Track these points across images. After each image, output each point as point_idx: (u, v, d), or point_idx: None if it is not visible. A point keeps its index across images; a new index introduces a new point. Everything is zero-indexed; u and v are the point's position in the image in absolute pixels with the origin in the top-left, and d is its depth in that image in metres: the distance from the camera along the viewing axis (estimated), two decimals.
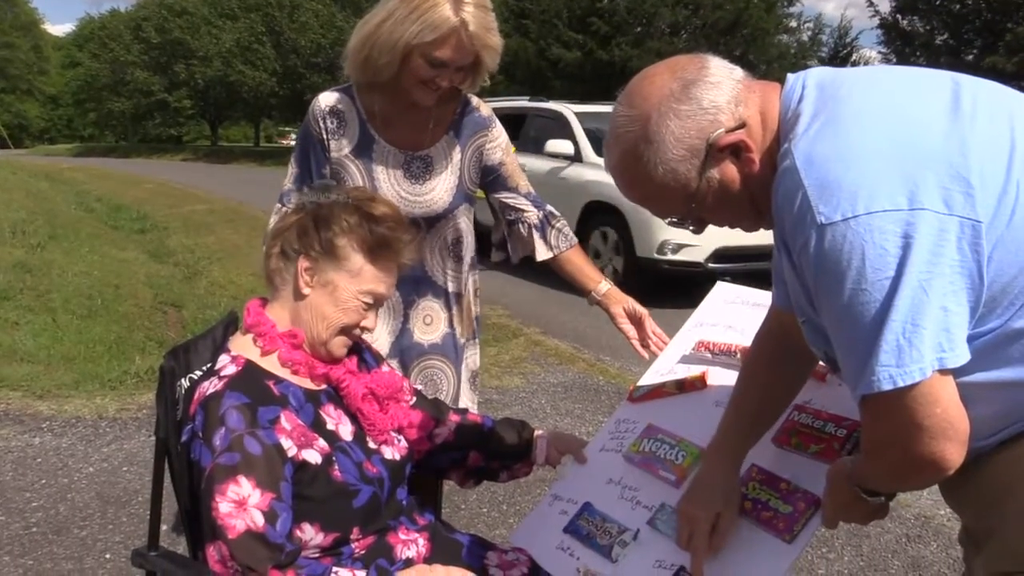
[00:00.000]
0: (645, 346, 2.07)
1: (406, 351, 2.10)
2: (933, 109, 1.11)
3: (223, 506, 1.34)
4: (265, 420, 1.42)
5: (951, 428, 1.05)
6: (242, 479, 1.35)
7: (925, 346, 1.01)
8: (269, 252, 1.58)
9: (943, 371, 1.03)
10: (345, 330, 1.55)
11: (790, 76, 1.22)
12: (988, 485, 1.19)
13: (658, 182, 1.22)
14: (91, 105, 51.97)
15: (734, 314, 1.85)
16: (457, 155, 2.06)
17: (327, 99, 2.00)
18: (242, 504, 1.34)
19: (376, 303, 1.57)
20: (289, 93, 37.90)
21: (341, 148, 1.98)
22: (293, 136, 54.48)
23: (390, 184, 2.00)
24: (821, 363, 1.56)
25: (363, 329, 1.58)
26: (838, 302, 1.05)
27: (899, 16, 18.04)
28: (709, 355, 1.79)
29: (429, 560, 1.58)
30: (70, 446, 3.96)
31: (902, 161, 1.05)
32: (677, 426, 1.67)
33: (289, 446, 1.43)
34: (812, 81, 1.19)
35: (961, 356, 1.03)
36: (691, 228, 1.31)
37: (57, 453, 3.87)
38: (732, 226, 1.32)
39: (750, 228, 1.31)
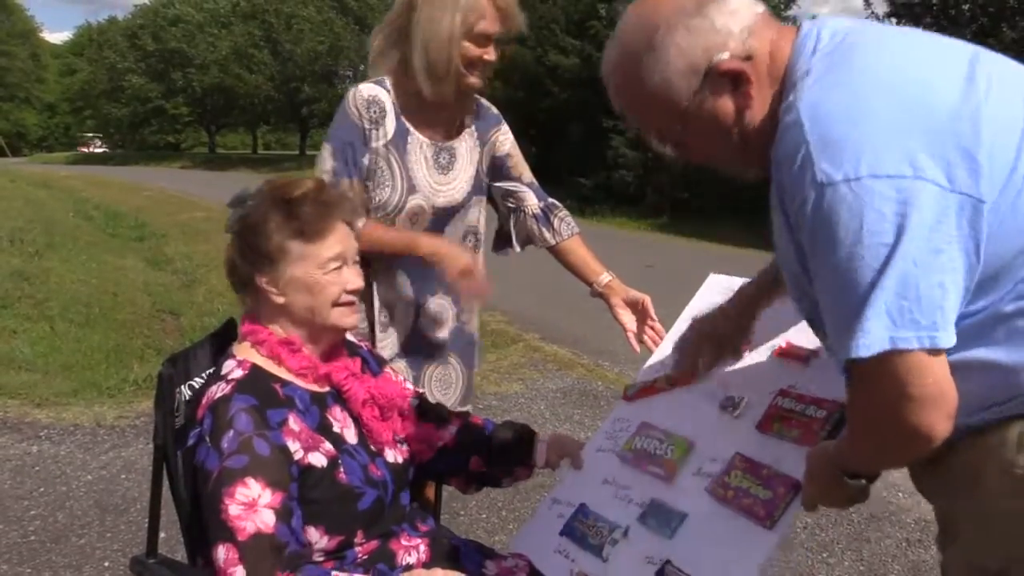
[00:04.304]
0: (640, 340, 2.08)
1: (418, 351, 2.13)
2: (948, 79, 1.09)
3: (232, 508, 1.35)
4: (274, 422, 1.44)
5: (942, 399, 1.04)
6: (251, 481, 1.36)
7: (914, 319, 1.00)
8: (232, 283, 1.61)
9: (934, 349, 1.02)
10: (336, 303, 1.55)
11: (805, 23, 1.19)
12: (959, 470, 1.18)
13: (649, 91, 1.20)
14: (89, 112, 51.98)
15: None
16: (476, 148, 2.15)
17: (368, 89, 2.03)
18: (252, 506, 1.35)
19: (342, 261, 1.56)
20: (285, 100, 37.96)
21: (379, 139, 2.03)
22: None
23: (423, 174, 2.06)
24: (803, 347, 1.59)
25: (353, 292, 1.57)
26: (831, 263, 1.04)
27: (896, 20, 18.09)
28: None
29: (428, 565, 1.58)
30: (68, 454, 3.95)
31: (911, 128, 1.03)
32: (667, 421, 1.68)
33: (296, 449, 1.44)
34: (827, 33, 1.16)
35: (950, 338, 1.02)
36: (670, 150, 1.28)
37: (55, 461, 3.87)
38: (712, 162, 1.29)
39: (731, 169, 1.29)
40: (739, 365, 1.67)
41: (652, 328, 2.09)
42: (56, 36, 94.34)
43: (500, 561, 1.68)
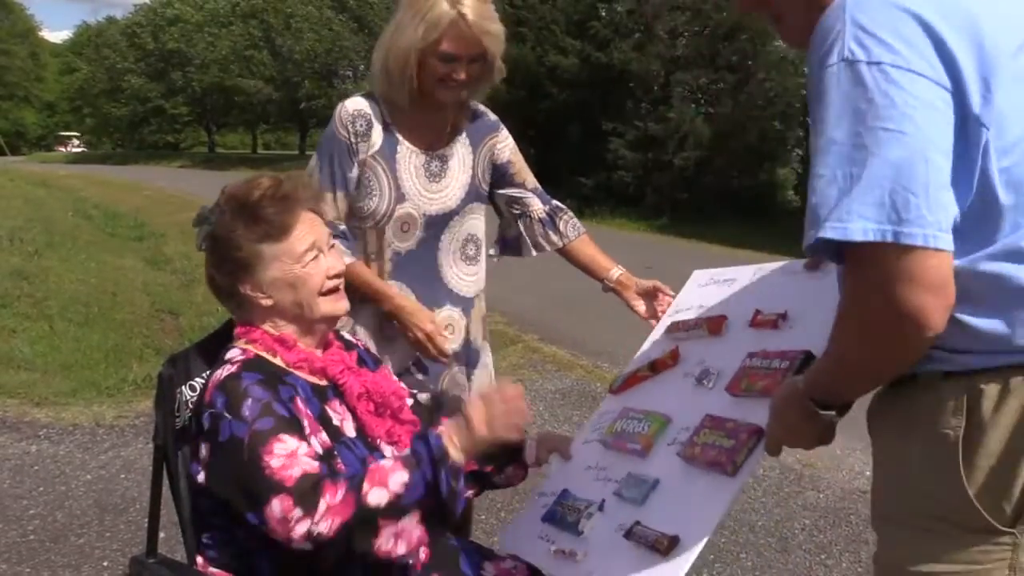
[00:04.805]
0: (654, 316, 2.08)
1: (433, 362, 2.11)
2: (1005, 29, 1.10)
3: (274, 462, 1.36)
4: (284, 396, 1.46)
5: (941, 289, 1.02)
6: (284, 436, 1.39)
7: (921, 214, 1.00)
8: (216, 296, 1.62)
9: (937, 249, 1.01)
10: (321, 292, 1.57)
11: None
12: (896, 421, 1.20)
13: None
14: (88, 111, 52.01)
15: (706, 295, 1.90)
16: (469, 155, 2.16)
17: (353, 104, 2.07)
18: (292, 455, 1.37)
19: (317, 250, 1.57)
20: (285, 99, 37.95)
21: (368, 150, 2.05)
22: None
23: (412, 183, 2.07)
24: (773, 312, 1.62)
25: (336, 277, 1.59)
26: (833, 136, 1.05)
27: None
28: (682, 334, 1.82)
29: (428, 565, 1.58)
30: (68, 454, 3.96)
31: (943, 39, 1.05)
32: (648, 402, 1.71)
33: (305, 424, 1.47)
34: None
35: (951, 243, 1.02)
36: None
37: (55, 461, 3.87)
38: (773, 12, 1.29)
39: (785, 30, 1.29)
40: (718, 343, 1.70)
41: (665, 301, 2.07)
42: (55, 35, 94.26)
43: (499, 562, 1.69)
